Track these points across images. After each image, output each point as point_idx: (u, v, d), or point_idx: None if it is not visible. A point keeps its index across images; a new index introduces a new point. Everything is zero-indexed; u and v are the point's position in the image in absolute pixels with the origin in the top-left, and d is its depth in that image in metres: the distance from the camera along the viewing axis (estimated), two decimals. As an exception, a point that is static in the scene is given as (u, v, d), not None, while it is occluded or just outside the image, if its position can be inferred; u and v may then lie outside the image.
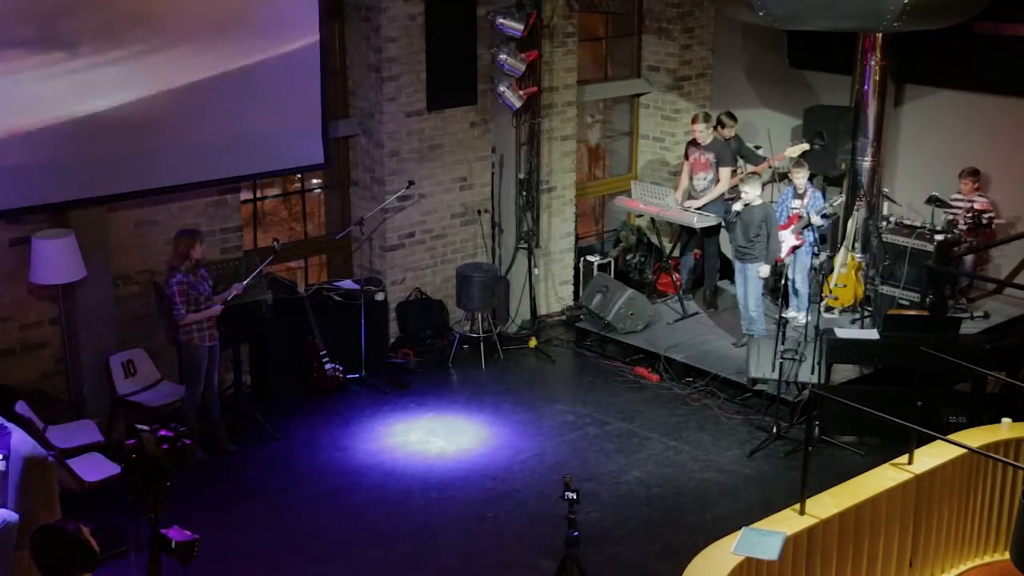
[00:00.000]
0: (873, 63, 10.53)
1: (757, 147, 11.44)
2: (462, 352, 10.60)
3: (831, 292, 10.28)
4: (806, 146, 10.67)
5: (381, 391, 9.79)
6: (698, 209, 10.85)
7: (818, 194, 10.41)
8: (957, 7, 9.79)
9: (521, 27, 10.33)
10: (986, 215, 10.24)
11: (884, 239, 10.43)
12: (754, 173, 10.42)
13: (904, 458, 6.78)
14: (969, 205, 10.29)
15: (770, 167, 11.18)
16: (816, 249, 10.35)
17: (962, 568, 7.24)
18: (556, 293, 11.69)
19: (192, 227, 8.78)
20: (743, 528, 6.04)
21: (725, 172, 10.80)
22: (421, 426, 9.31)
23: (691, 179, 11.03)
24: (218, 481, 8.29)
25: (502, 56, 10.41)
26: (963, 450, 6.73)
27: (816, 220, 10.10)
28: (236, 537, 7.58)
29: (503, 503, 8.16)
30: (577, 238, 11.99)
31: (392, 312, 10.67)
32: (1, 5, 7.84)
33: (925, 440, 6.80)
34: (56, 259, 8.20)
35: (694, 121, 10.80)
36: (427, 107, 10.41)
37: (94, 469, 7.52)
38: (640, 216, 12.03)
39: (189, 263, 8.35)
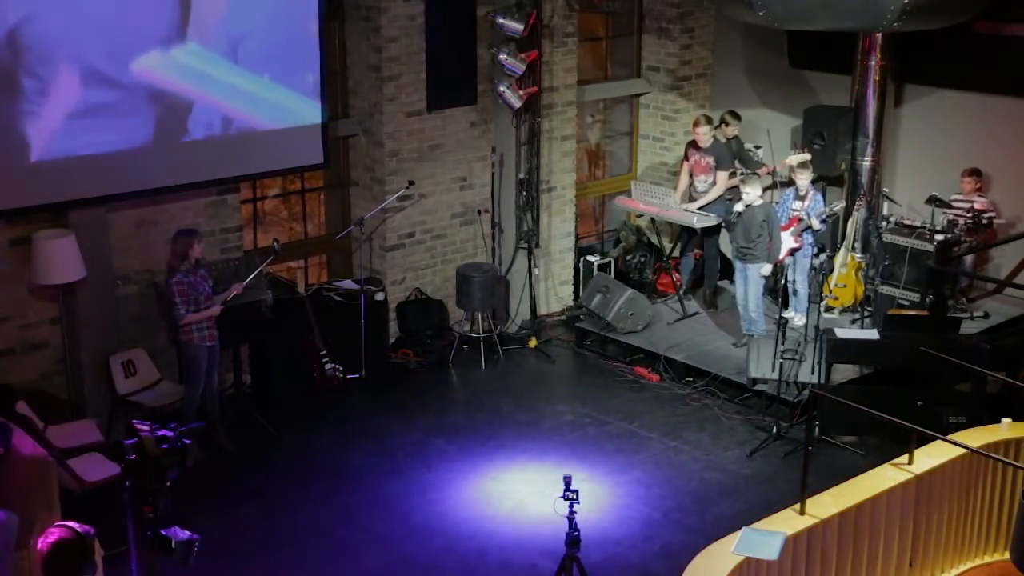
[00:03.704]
0: (873, 63, 10.53)
1: (757, 147, 11.43)
2: (462, 352, 10.60)
3: (831, 292, 10.28)
4: (807, 156, 10.58)
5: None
6: (698, 209, 10.86)
7: (819, 197, 10.40)
8: (957, 7, 9.79)
9: (521, 27, 10.33)
10: (986, 215, 10.24)
11: (884, 239, 10.43)
12: (755, 174, 10.42)
13: (904, 458, 6.79)
14: (969, 205, 10.29)
15: (769, 173, 11.16)
16: (816, 250, 10.36)
17: (962, 568, 7.24)
18: (556, 293, 11.69)
19: (190, 227, 8.78)
20: (743, 528, 6.04)
21: (722, 175, 10.80)
22: (421, 426, 9.30)
23: (691, 181, 11.04)
24: (218, 481, 8.28)
25: (502, 56, 10.40)
26: (963, 450, 6.73)
27: (815, 224, 10.10)
28: (236, 537, 7.58)
29: (503, 503, 8.16)
30: (577, 238, 11.99)
31: (392, 312, 10.67)
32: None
33: (925, 440, 6.81)
34: (56, 259, 8.20)
35: (696, 124, 10.79)
36: (427, 107, 10.41)
37: (94, 469, 7.52)
38: (640, 216, 12.03)
39: (188, 263, 8.35)
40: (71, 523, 4.12)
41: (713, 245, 11.14)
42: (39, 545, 4.02)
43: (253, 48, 9.05)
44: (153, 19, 8.53)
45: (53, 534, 4.03)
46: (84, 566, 3.97)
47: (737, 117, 11.23)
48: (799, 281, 10.37)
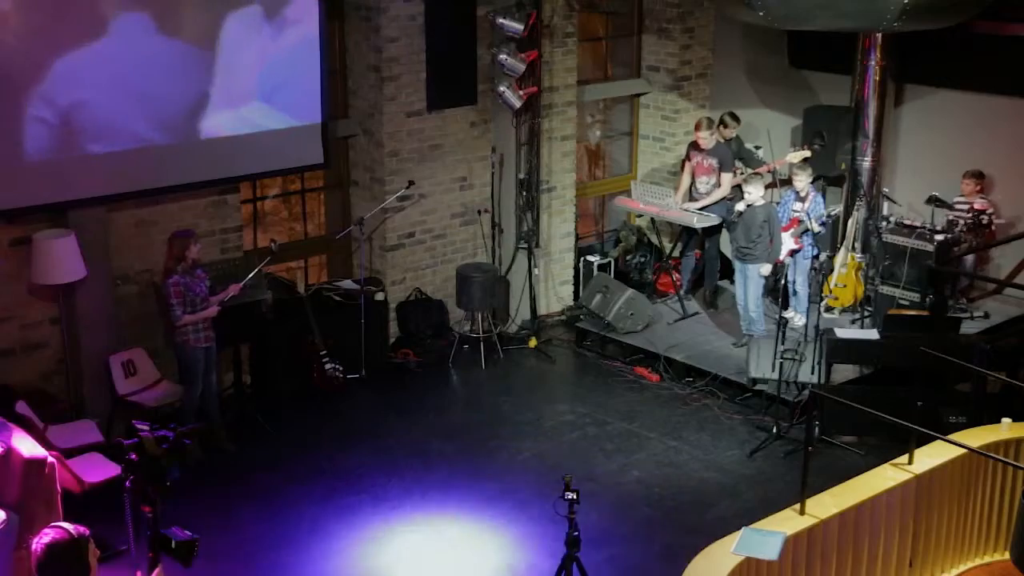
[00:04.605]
0: (873, 63, 10.52)
1: (757, 147, 11.43)
2: (462, 352, 10.60)
3: (831, 292, 10.28)
4: (807, 153, 10.63)
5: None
6: (698, 210, 10.86)
7: (819, 197, 10.40)
8: (957, 7, 9.78)
9: (521, 27, 10.33)
10: (986, 215, 10.25)
11: (884, 239, 10.43)
12: (756, 173, 10.43)
13: (904, 458, 6.79)
14: (968, 205, 10.30)
15: (770, 171, 11.16)
16: (816, 251, 10.36)
17: (962, 568, 7.24)
18: (556, 293, 11.69)
19: (187, 228, 8.77)
20: (743, 528, 6.04)
21: (727, 177, 10.79)
22: (421, 426, 9.30)
23: (693, 181, 11.03)
24: (218, 481, 8.28)
25: (502, 56, 10.41)
26: (963, 450, 6.73)
27: (815, 227, 10.10)
28: (236, 537, 7.58)
29: (503, 503, 8.16)
30: (577, 238, 11.99)
31: (392, 312, 10.67)
32: None
33: (925, 440, 6.80)
34: (56, 259, 8.19)
35: (698, 128, 10.78)
36: (427, 107, 10.41)
37: (94, 469, 7.52)
38: (640, 216, 12.03)
39: (185, 264, 8.34)
40: (65, 524, 4.10)
41: (713, 245, 11.14)
42: (32, 546, 4.00)
43: (253, 48, 9.09)
44: (191, 86, 8.78)
45: (47, 535, 4.01)
46: (79, 567, 3.95)
47: (736, 119, 11.21)
48: (799, 282, 10.37)
